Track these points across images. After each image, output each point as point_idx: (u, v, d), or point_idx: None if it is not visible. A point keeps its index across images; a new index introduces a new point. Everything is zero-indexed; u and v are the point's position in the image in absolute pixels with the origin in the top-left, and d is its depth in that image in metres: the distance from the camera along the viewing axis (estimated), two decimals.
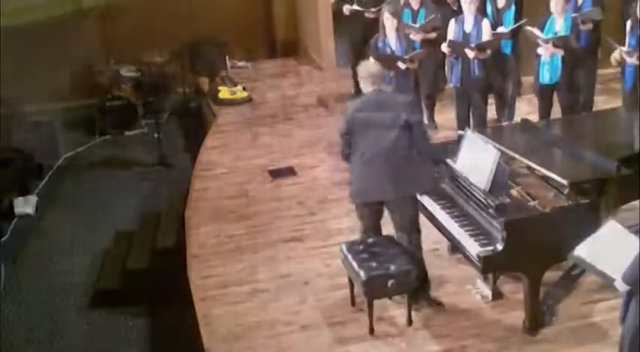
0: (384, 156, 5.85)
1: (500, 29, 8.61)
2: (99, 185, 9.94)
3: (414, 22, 8.95)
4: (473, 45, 8.17)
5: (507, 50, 8.98)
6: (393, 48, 8.19)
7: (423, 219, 6.51)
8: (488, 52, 8.35)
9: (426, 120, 9.44)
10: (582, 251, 4.85)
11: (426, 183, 6.09)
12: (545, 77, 8.29)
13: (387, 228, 6.67)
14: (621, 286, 4.58)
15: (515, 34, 8.92)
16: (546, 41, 8.07)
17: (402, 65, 8.11)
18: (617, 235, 4.70)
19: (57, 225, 9.08)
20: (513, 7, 8.89)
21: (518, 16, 8.90)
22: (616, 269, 4.60)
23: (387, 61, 8.07)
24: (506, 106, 9.36)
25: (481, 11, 8.64)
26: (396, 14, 8.18)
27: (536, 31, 8.17)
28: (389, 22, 8.13)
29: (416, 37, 8.71)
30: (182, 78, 12.03)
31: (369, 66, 6.15)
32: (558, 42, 8.08)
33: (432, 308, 6.13)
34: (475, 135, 6.10)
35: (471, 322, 5.98)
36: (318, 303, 6.34)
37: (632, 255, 4.48)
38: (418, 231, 6.15)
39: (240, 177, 8.65)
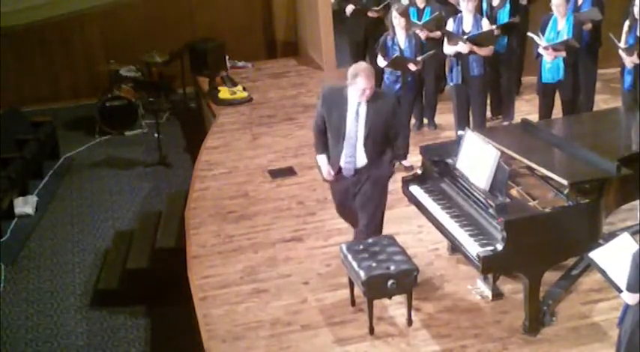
0: None
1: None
2: (99, 185, 9.95)
3: (419, 20, 8.94)
4: (465, 37, 8.14)
5: (499, 48, 8.95)
6: (402, 47, 8.17)
7: (423, 219, 6.53)
8: (491, 48, 8.32)
9: (426, 121, 9.49)
10: (597, 255, 4.85)
11: None
12: (548, 76, 8.27)
13: (388, 228, 6.69)
14: (628, 298, 4.57)
15: (509, 31, 8.90)
16: (546, 48, 8.05)
17: (413, 67, 8.11)
18: (628, 249, 4.70)
19: (57, 225, 9.09)
20: (508, 6, 8.88)
21: (513, 15, 8.89)
22: (624, 281, 4.59)
23: (400, 63, 8.11)
24: (501, 105, 9.34)
25: (479, 10, 8.62)
26: (404, 13, 8.17)
27: (536, 37, 8.15)
28: (396, 21, 8.13)
29: (420, 35, 8.71)
30: (182, 78, 12.04)
31: None
32: (559, 46, 8.06)
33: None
34: (475, 135, 6.09)
35: (471, 322, 5.97)
36: (318, 303, 6.33)
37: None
38: None
39: (240, 177, 8.64)
